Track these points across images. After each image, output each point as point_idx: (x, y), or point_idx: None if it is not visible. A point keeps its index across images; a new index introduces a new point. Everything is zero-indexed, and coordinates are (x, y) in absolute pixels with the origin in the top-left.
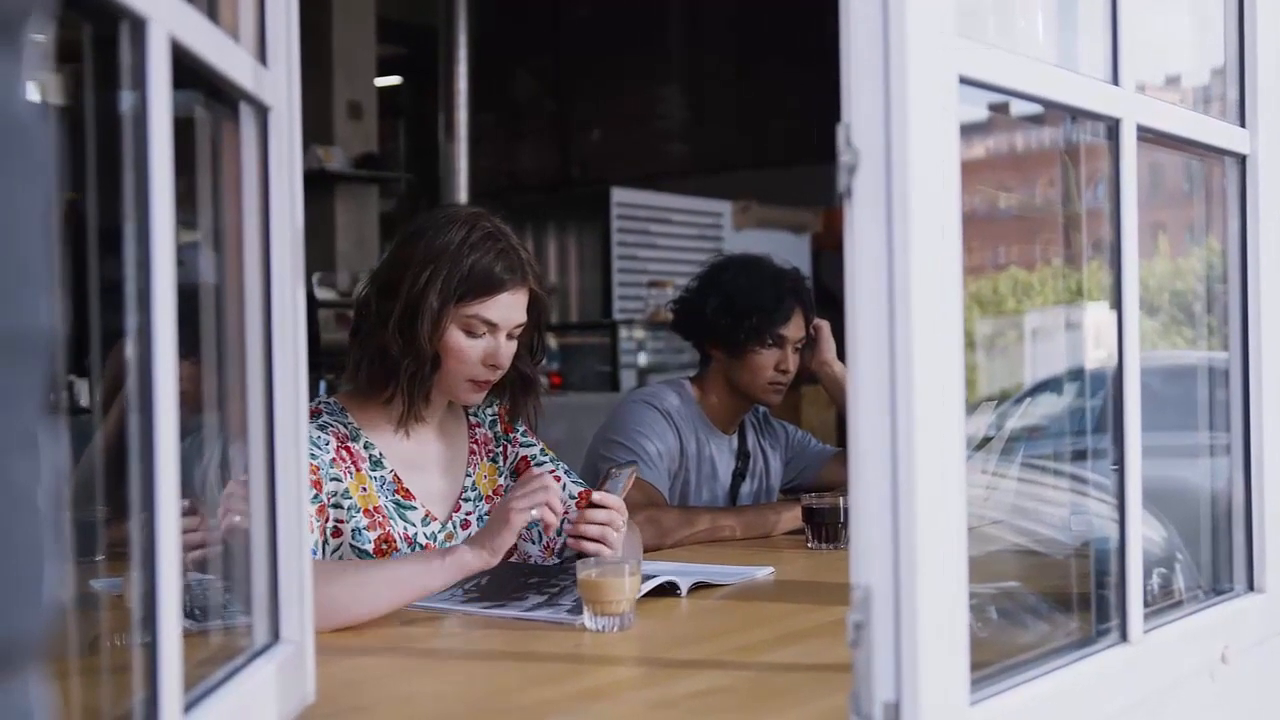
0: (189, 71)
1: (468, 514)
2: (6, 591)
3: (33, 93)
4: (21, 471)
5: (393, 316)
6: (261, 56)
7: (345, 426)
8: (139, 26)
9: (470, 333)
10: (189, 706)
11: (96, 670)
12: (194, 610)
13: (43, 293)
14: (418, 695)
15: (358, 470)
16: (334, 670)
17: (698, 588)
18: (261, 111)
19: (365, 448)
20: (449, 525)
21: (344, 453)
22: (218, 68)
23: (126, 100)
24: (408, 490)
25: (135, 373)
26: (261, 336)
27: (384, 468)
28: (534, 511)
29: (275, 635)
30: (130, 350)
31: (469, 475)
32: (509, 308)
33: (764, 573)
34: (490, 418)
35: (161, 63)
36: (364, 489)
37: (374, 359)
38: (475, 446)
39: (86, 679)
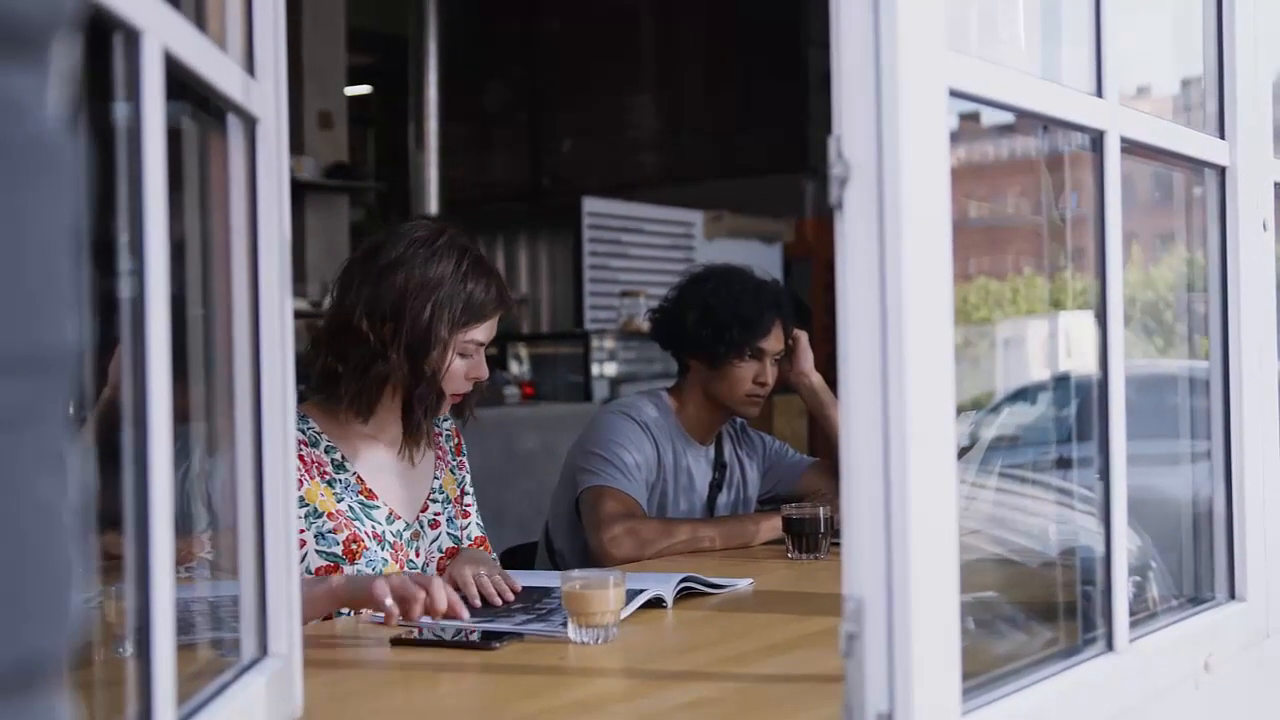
0: (178, 82)
1: (436, 514)
2: (36, 609)
3: (59, 107)
4: (49, 488)
5: (395, 348)
6: (250, 68)
7: (304, 432)
8: (133, 38)
9: (463, 355)
10: None
11: (85, 684)
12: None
13: (69, 310)
14: (404, 709)
15: (312, 477)
16: (321, 685)
17: (683, 596)
18: (249, 123)
19: (327, 452)
20: (415, 524)
21: (298, 461)
22: (208, 79)
23: (119, 111)
24: (371, 490)
25: (129, 384)
26: (249, 349)
27: (347, 470)
28: (389, 602)
29: (263, 649)
30: (124, 363)
31: (436, 478)
32: (494, 327)
33: (744, 584)
34: (446, 431)
35: (155, 74)
36: (322, 494)
37: (375, 385)
38: (440, 452)
39: (74, 692)
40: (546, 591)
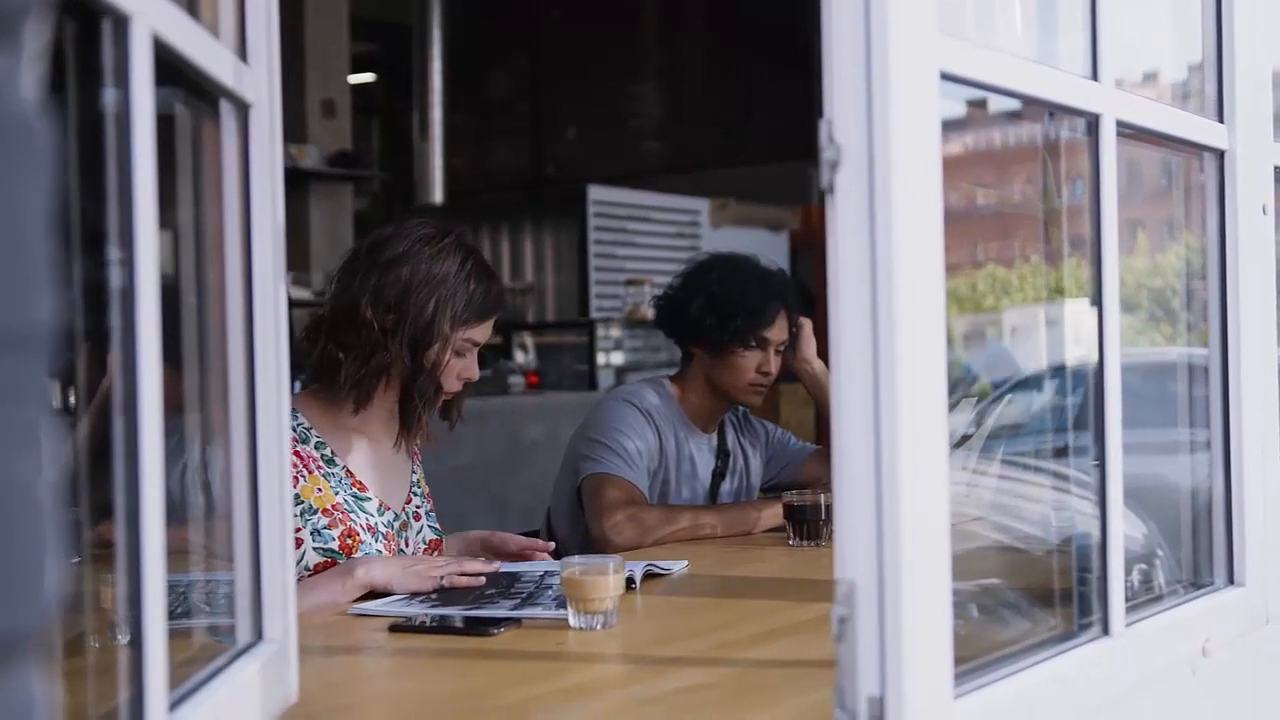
0: (169, 68)
1: (417, 507)
2: (10, 586)
3: (31, 89)
4: (25, 466)
5: (397, 339)
6: (242, 53)
7: (294, 429)
8: (121, 23)
9: (458, 353)
10: (173, 705)
11: (78, 671)
12: (173, 609)
13: (45, 289)
14: (400, 695)
15: (310, 473)
16: (317, 670)
17: (648, 577)
18: (242, 109)
19: (316, 448)
20: (403, 515)
21: (294, 457)
22: (199, 65)
23: (108, 97)
24: (361, 483)
25: (119, 375)
26: (243, 336)
27: (337, 465)
28: (444, 581)
29: (258, 634)
30: (114, 352)
31: (414, 472)
32: (490, 329)
33: (679, 566)
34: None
35: (144, 59)
36: (319, 490)
37: (374, 375)
38: (416, 450)
39: (68, 679)
40: (515, 576)
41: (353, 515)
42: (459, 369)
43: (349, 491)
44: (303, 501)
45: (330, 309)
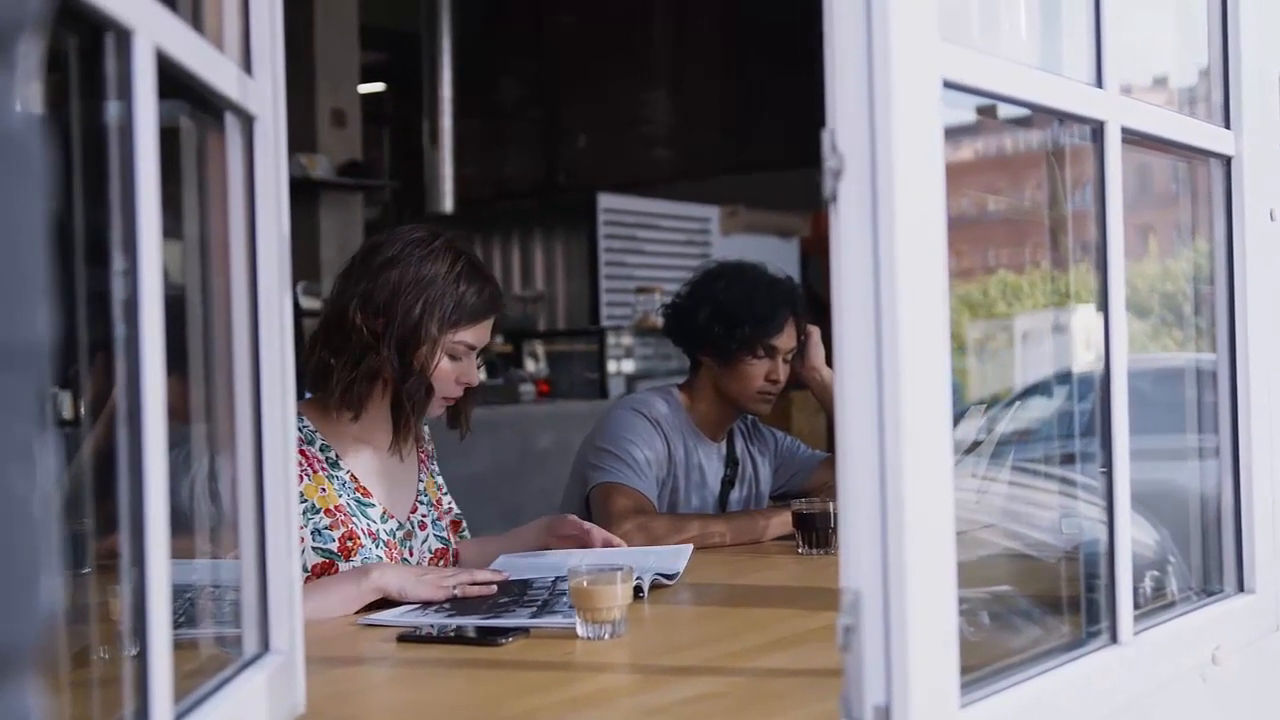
0: (173, 81)
1: (423, 516)
2: (4, 600)
3: (26, 104)
4: (18, 481)
5: (386, 342)
6: (246, 66)
7: (300, 431)
8: (124, 37)
9: (452, 356)
10: (179, 717)
11: (86, 682)
12: (180, 619)
13: (39, 303)
14: (408, 705)
15: (315, 473)
16: (324, 681)
17: (655, 587)
18: (247, 121)
19: (321, 450)
20: (407, 524)
21: (299, 456)
22: (203, 77)
23: (111, 110)
24: (365, 489)
25: (123, 385)
26: (249, 347)
27: (342, 469)
28: (456, 591)
29: (265, 645)
30: (118, 362)
31: (421, 481)
32: (487, 331)
33: (686, 552)
34: (427, 434)
35: (147, 73)
36: (323, 490)
37: (365, 379)
38: (424, 457)
39: (75, 690)
40: (527, 584)
41: (354, 519)
42: (456, 373)
43: (352, 495)
44: (305, 500)
45: (323, 316)
